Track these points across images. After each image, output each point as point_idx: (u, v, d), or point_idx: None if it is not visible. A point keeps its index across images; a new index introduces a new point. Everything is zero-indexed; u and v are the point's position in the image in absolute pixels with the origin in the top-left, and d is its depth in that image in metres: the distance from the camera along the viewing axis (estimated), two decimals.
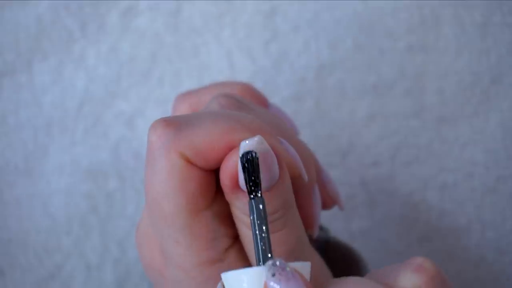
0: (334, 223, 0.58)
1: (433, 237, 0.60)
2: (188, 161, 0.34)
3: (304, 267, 0.31)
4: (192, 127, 0.34)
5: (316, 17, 0.60)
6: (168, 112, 0.60)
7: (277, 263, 0.30)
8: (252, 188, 0.32)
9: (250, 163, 0.32)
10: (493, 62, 0.60)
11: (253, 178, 0.32)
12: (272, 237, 0.34)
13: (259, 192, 0.32)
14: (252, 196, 0.32)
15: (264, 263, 0.31)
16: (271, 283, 0.30)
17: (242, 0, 0.60)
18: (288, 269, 0.30)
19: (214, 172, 0.35)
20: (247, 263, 0.36)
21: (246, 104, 0.38)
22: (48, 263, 0.58)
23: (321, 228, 0.48)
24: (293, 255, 0.35)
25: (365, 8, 0.60)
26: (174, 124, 0.34)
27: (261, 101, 0.44)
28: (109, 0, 0.60)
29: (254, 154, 0.32)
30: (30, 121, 0.59)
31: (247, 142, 0.33)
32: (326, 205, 0.44)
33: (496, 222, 0.60)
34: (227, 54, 0.60)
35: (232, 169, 0.33)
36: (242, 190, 0.33)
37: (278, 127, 0.38)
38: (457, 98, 0.60)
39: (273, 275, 0.30)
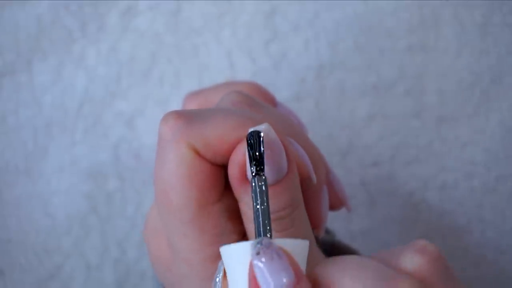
0: (335, 223, 0.58)
1: (433, 237, 0.60)
2: (198, 153, 0.34)
3: (299, 246, 0.31)
4: (203, 120, 0.34)
5: (316, 17, 0.60)
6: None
7: (263, 241, 0.30)
8: (255, 165, 0.32)
9: (254, 141, 0.32)
10: (493, 62, 0.60)
11: (257, 155, 0.32)
12: (279, 236, 0.34)
13: (263, 170, 0.32)
14: (254, 173, 0.32)
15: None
16: (255, 261, 0.30)
17: (242, 0, 0.60)
18: (274, 247, 0.30)
19: (223, 168, 0.35)
20: None
21: (257, 102, 0.38)
22: (48, 263, 0.58)
23: (327, 231, 0.48)
24: None
25: (365, 8, 0.60)
26: (185, 116, 0.35)
27: (269, 99, 0.44)
28: (109, 0, 0.60)
29: (259, 133, 0.32)
30: (30, 121, 0.59)
31: (254, 129, 0.33)
32: (333, 206, 0.43)
33: (496, 222, 0.60)
34: (227, 54, 0.60)
35: (240, 160, 0.33)
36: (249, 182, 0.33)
37: (287, 126, 0.38)
38: (457, 98, 0.60)
39: (258, 253, 0.30)
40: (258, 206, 0.31)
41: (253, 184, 0.32)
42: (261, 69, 0.60)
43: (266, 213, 0.31)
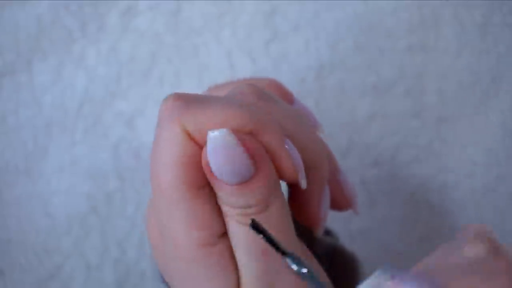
0: (334, 223, 0.58)
1: (433, 237, 0.60)
2: (189, 136, 0.35)
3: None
4: (201, 104, 0.35)
5: (316, 17, 0.60)
6: None
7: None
8: (277, 249, 0.33)
9: (258, 229, 0.33)
10: (493, 62, 0.60)
11: (270, 239, 0.33)
12: (246, 230, 0.35)
13: (284, 251, 0.33)
14: (284, 255, 0.33)
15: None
16: None
17: (242, 0, 0.60)
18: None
19: None
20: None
21: (268, 95, 0.39)
22: (48, 263, 0.58)
23: (330, 234, 0.48)
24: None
25: (365, 8, 0.60)
26: (184, 98, 0.35)
27: (287, 96, 0.44)
28: (109, 0, 0.60)
29: (255, 223, 0.33)
30: (30, 121, 0.59)
31: (214, 133, 0.34)
32: (340, 207, 0.44)
33: (496, 222, 0.60)
34: (227, 54, 0.60)
35: (205, 161, 0.34)
36: (216, 178, 0.34)
37: (296, 122, 0.38)
38: (457, 98, 0.60)
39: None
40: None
41: (289, 264, 0.33)
42: (261, 69, 0.60)
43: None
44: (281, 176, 0.36)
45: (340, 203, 0.43)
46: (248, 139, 0.34)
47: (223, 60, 0.60)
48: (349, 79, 0.60)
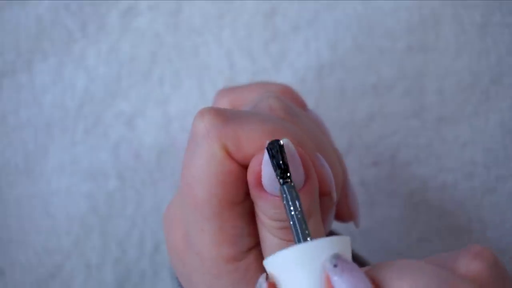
0: (335, 223, 0.58)
1: (433, 237, 0.60)
2: (228, 154, 0.35)
3: (346, 242, 0.31)
4: (239, 122, 0.35)
5: (316, 17, 0.60)
6: (168, 112, 0.60)
7: (338, 255, 0.30)
8: (282, 174, 0.33)
9: (276, 150, 0.33)
10: (493, 62, 0.60)
11: (281, 164, 0.33)
12: (281, 243, 0.34)
13: (289, 177, 0.33)
14: (282, 182, 0.33)
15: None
16: (333, 275, 0.30)
17: (242, 0, 0.60)
18: (349, 262, 0.30)
19: None
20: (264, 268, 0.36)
21: (293, 110, 0.39)
22: (48, 263, 0.58)
23: None
24: None
25: (365, 8, 0.60)
26: (222, 115, 0.35)
27: (301, 105, 0.44)
28: (109, 0, 0.60)
29: (279, 142, 0.33)
30: (30, 121, 0.59)
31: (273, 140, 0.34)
32: (343, 218, 0.44)
33: (496, 222, 0.60)
34: (227, 54, 0.60)
35: (256, 169, 0.34)
36: (264, 190, 0.34)
37: (318, 139, 0.38)
38: (457, 98, 0.60)
39: (335, 265, 0.30)
40: (292, 213, 0.32)
41: (283, 192, 0.33)
42: (261, 69, 0.60)
43: (301, 218, 0.32)
44: None
45: (343, 214, 0.44)
46: (301, 150, 0.34)
47: (223, 60, 0.60)
48: (349, 79, 0.60)
